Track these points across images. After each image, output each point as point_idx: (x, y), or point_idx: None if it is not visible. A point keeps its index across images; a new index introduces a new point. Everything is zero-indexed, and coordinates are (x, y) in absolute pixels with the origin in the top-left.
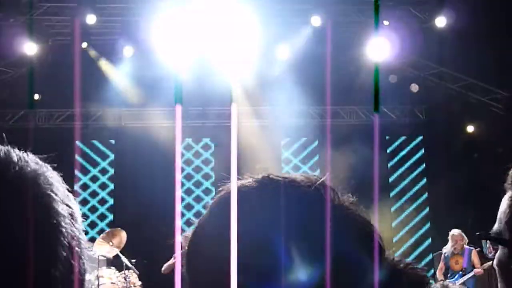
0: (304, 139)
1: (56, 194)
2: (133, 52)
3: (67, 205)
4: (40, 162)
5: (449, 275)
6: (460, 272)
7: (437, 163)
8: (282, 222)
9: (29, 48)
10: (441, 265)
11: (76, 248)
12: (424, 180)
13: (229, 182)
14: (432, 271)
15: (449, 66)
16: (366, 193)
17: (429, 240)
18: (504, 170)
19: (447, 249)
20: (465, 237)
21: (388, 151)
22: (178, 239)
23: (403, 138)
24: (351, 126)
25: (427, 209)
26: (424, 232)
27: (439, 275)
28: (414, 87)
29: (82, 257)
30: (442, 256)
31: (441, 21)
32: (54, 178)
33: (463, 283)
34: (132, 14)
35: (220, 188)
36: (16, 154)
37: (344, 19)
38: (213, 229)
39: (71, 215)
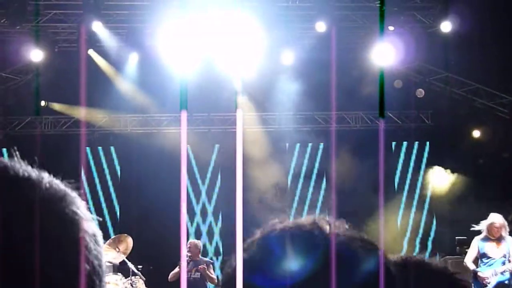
0: (309, 145)
1: (82, 213)
2: (138, 59)
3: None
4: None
5: (482, 263)
6: (503, 259)
7: (443, 168)
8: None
9: (35, 55)
10: (472, 252)
11: (98, 267)
12: (430, 184)
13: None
14: None
15: (455, 71)
16: (372, 198)
17: (431, 245)
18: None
19: (482, 235)
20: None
21: (393, 156)
22: (184, 245)
23: (409, 143)
24: (357, 131)
25: (433, 213)
26: (430, 236)
27: (469, 264)
28: (420, 92)
29: (100, 273)
30: (475, 242)
31: (446, 26)
32: (79, 200)
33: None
34: (138, 21)
35: (269, 224)
36: (47, 175)
37: (349, 24)
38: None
39: (95, 236)
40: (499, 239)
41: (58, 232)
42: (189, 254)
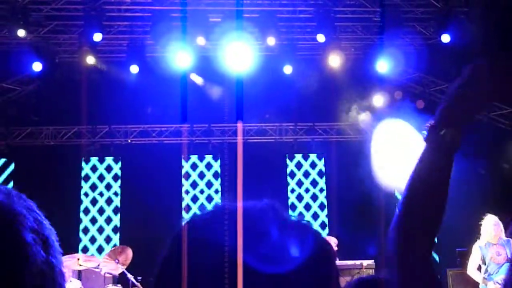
0: (310, 155)
1: (21, 224)
2: (139, 70)
3: (38, 232)
4: (11, 193)
5: (487, 269)
6: (508, 263)
7: None
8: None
9: (36, 65)
10: (475, 259)
11: (50, 273)
12: None
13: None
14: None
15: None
16: (373, 208)
17: (435, 255)
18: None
19: (482, 241)
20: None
21: None
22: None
23: None
24: (357, 142)
25: None
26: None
27: (475, 273)
28: (420, 104)
29: (55, 279)
30: (477, 249)
31: (446, 38)
32: (24, 207)
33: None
34: (139, 32)
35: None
36: None
37: (349, 36)
38: (175, 263)
39: (44, 241)
40: (500, 243)
41: None
42: None
